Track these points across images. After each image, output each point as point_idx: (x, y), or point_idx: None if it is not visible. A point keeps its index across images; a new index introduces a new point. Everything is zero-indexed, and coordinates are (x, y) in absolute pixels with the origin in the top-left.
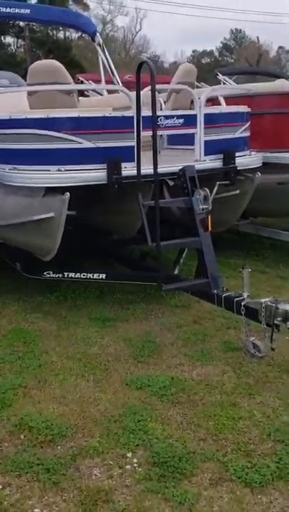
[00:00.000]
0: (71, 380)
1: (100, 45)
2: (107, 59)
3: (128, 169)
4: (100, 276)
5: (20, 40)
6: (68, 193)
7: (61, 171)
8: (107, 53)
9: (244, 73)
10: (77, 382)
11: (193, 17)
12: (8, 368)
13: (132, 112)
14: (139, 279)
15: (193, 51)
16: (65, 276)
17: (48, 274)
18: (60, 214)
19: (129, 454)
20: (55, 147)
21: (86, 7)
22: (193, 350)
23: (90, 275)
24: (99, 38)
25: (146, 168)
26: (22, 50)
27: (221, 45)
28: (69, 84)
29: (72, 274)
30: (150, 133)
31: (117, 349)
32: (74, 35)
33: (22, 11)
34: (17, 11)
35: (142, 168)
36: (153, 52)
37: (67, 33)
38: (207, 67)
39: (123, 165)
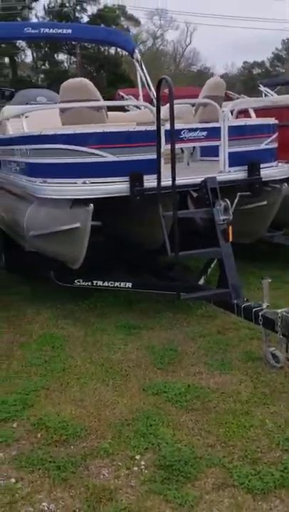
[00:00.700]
0: (91, 384)
1: (138, 61)
2: (144, 75)
3: (150, 181)
4: (127, 285)
5: (72, 57)
6: (92, 205)
7: (86, 183)
8: (144, 69)
9: (286, 84)
10: (97, 386)
11: (244, 29)
12: (34, 370)
13: (155, 127)
14: (161, 288)
15: (244, 62)
16: (94, 284)
17: (78, 282)
18: (85, 224)
19: (138, 457)
20: (81, 161)
21: (137, 23)
22: (213, 359)
23: (116, 283)
24: (137, 55)
25: (168, 180)
26: (74, 66)
27: (273, 55)
28: (97, 100)
29: (100, 282)
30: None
31: (138, 356)
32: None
33: (64, 31)
34: (59, 31)
35: (163, 180)
36: (202, 64)
37: (119, 49)
38: (258, 78)
39: (145, 177)
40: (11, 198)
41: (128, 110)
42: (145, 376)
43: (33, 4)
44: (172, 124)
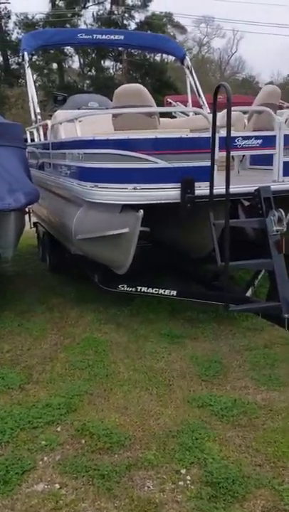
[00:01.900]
0: (135, 392)
1: (188, 68)
2: (194, 81)
3: (201, 188)
4: (171, 293)
5: (118, 64)
6: (142, 211)
7: (137, 189)
8: (194, 76)
9: None
10: (141, 394)
11: None
12: (77, 374)
13: (208, 133)
14: (207, 298)
15: None
16: (138, 290)
17: (123, 287)
18: (134, 230)
19: (183, 471)
20: (133, 167)
21: (184, 30)
22: (260, 374)
23: (161, 291)
24: (188, 61)
25: (220, 188)
26: (120, 73)
27: None
28: (151, 106)
29: (144, 289)
30: (237, 153)
31: (182, 366)
32: (170, 58)
33: (116, 37)
34: (112, 37)
35: (215, 187)
36: (247, 73)
37: (164, 56)
38: None
39: (197, 184)
40: (59, 201)
41: (175, 117)
42: (189, 387)
43: (82, 11)
44: (229, 131)
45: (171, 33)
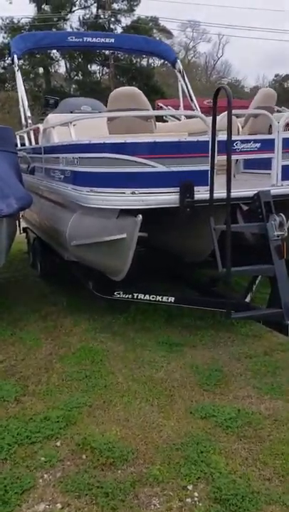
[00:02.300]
0: (135, 404)
1: (180, 71)
2: (186, 85)
3: (201, 193)
4: (169, 300)
5: (105, 68)
6: (141, 215)
7: (135, 193)
8: (186, 80)
9: None
10: (142, 406)
11: (277, 41)
12: (75, 385)
13: (207, 137)
14: (207, 304)
15: (276, 75)
16: (135, 297)
17: (119, 294)
18: (132, 235)
19: (190, 487)
20: (130, 171)
21: (170, 35)
22: (262, 382)
23: (158, 298)
24: (179, 65)
25: (220, 192)
26: (106, 77)
27: None
28: (147, 110)
29: (141, 296)
30: (225, 157)
31: (182, 375)
32: (157, 62)
33: (107, 40)
34: (102, 40)
35: (215, 192)
36: (233, 77)
37: (150, 60)
38: None
39: (196, 188)
40: (51, 206)
41: (167, 121)
42: (191, 397)
43: (69, 16)
44: (229, 135)
45: (158, 38)
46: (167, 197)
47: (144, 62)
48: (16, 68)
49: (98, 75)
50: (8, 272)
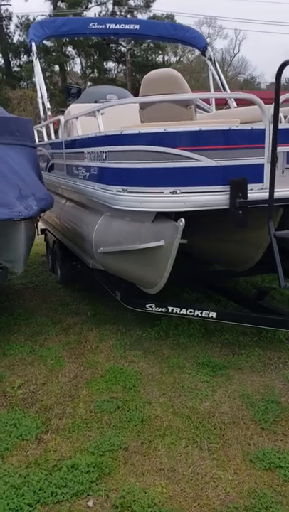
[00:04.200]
0: (180, 446)
1: (211, 59)
2: (218, 74)
3: (254, 191)
4: (210, 315)
5: (120, 65)
6: (183, 220)
7: (176, 193)
8: (218, 68)
9: None
10: (188, 450)
11: None
12: (106, 419)
13: (263, 124)
14: (260, 322)
15: None
16: (170, 311)
17: (151, 307)
18: (171, 243)
19: None
20: (171, 166)
21: None
22: None
23: (197, 312)
24: (210, 52)
25: (281, 191)
26: (122, 74)
27: None
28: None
29: (177, 310)
30: (281, 149)
31: (233, 408)
32: (172, 59)
33: (131, 27)
34: (126, 27)
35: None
36: (250, 74)
37: (166, 57)
38: None
39: (250, 186)
40: (74, 207)
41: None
42: (248, 439)
43: (85, 13)
44: (276, 124)
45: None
46: (214, 197)
47: (160, 59)
48: (34, 56)
49: (114, 72)
50: (25, 277)
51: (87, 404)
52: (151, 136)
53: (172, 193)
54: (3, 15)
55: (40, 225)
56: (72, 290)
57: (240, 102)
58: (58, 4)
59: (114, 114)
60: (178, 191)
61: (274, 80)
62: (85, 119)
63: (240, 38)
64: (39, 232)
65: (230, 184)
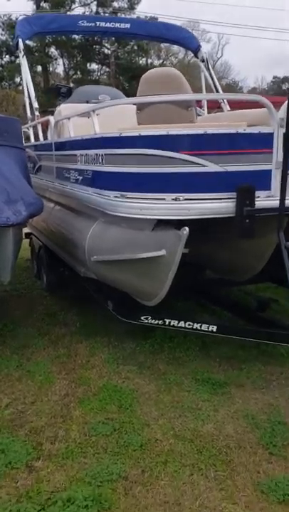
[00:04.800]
0: (185, 475)
1: (203, 61)
2: (211, 76)
3: (261, 199)
4: (210, 329)
5: (104, 67)
6: (187, 228)
7: (179, 200)
8: (211, 70)
9: None
10: (194, 478)
11: (276, 41)
12: (102, 443)
13: (271, 128)
14: (265, 337)
15: (274, 77)
16: (166, 323)
17: (146, 319)
18: (173, 253)
19: None
20: (173, 171)
21: None
22: None
23: (197, 325)
24: (202, 54)
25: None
26: (105, 76)
27: None
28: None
29: (174, 323)
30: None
31: (237, 430)
32: (156, 62)
33: (122, 25)
34: (117, 25)
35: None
36: (232, 78)
37: (150, 60)
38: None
39: (257, 193)
40: (64, 212)
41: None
42: (256, 466)
43: (68, 13)
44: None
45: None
46: (220, 204)
47: (143, 62)
48: (21, 54)
49: (97, 74)
50: (9, 284)
51: (80, 427)
52: (152, 139)
53: (175, 199)
54: None
55: (25, 229)
56: (59, 298)
57: (234, 105)
58: (41, 4)
59: (107, 115)
60: (181, 198)
61: (255, 85)
62: (76, 119)
63: (223, 42)
64: (23, 236)
65: (238, 191)
